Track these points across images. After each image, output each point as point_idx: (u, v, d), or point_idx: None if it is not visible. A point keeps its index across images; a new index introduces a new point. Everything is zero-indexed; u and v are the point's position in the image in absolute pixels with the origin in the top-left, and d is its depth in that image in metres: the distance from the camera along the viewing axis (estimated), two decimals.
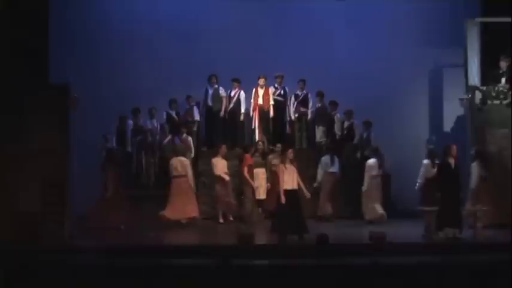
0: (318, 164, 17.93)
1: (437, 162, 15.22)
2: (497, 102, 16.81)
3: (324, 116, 19.18)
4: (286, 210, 14.68)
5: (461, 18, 17.70)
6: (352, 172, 18.18)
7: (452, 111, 19.18)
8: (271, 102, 19.10)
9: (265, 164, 18.03)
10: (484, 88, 16.91)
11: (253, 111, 19.14)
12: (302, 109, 19.13)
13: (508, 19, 17.20)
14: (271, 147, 18.43)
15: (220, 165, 17.59)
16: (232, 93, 19.16)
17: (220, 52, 19.41)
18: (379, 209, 17.44)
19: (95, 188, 16.96)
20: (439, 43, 19.31)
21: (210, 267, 11.42)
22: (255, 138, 18.86)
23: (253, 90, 19.07)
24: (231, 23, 19.60)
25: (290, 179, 14.71)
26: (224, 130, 19.15)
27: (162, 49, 19.57)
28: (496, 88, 16.85)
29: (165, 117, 19.06)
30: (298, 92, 19.21)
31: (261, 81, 18.98)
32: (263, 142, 18.50)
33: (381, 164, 17.53)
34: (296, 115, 19.18)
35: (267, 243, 14.99)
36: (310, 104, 19.20)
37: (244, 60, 19.28)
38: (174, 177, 17.08)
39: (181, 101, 19.21)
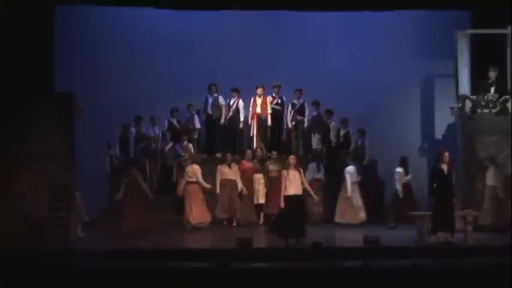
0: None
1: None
2: (486, 111, 16.83)
3: (319, 124, 19.17)
4: (288, 215, 14.63)
5: (452, 30, 17.69)
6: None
7: (443, 119, 19.17)
8: (269, 110, 19.07)
9: (263, 170, 18.02)
10: (474, 97, 16.92)
11: (251, 119, 19.13)
12: (299, 117, 19.11)
13: (496, 31, 17.20)
14: (268, 154, 18.38)
15: (225, 172, 17.61)
16: (232, 102, 19.14)
17: (220, 62, 19.41)
18: (362, 213, 17.60)
19: (100, 193, 16.86)
20: (431, 54, 19.35)
21: (209, 270, 11.35)
22: (253, 145, 18.86)
23: (252, 99, 19.05)
24: (230, 34, 19.60)
25: (293, 185, 14.65)
26: (224, 137, 19.15)
27: (163, 59, 19.57)
28: (486, 97, 16.86)
29: (166, 125, 19.04)
30: (295, 101, 19.18)
31: (259, 91, 18.98)
32: (261, 149, 18.54)
33: (359, 171, 17.72)
34: (293, 123, 19.16)
35: (266, 247, 14.96)
36: (307, 113, 19.18)
37: (243, 70, 19.28)
38: (189, 183, 17.08)
39: (183, 109, 19.17)
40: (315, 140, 19.10)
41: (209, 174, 17.61)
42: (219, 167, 17.69)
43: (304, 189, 15.02)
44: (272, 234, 14.83)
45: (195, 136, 19.08)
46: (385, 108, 19.52)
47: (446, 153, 14.72)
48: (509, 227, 15.68)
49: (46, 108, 15.57)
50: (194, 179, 17.12)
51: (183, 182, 17.19)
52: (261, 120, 19.03)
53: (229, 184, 17.60)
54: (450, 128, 18.54)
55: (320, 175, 18.00)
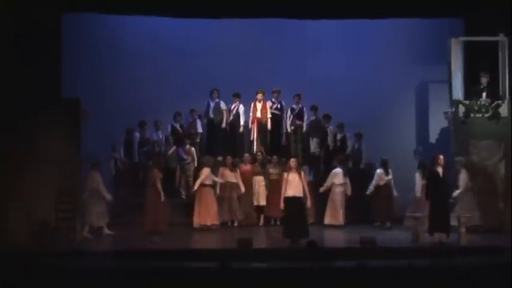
0: None
1: None
2: (479, 115, 16.83)
3: (317, 129, 19.21)
4: (291, 216, 14.68)
5: (445, 37, 17.71)
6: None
7: (437, 123, 19.19)
8: (269, 115, 19.12)
9: (263, 173, 18.06)
10: (467, 102, 16.92)
11: (251, 123, 19.15)
12: (297, 122, 19.13)
13: (489, 38, 17.23)
14: (268, 158, 18.41)
15: (227, 175, 17.63)
16: (233, 107, 19.20)
17: (221, 68, 19.43)
18: (340, 216, 17.59)
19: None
20: (426, 60, 19.35)
21: (210, 270, 11.37)
22: (253, 149, 18.89)
23: (252, 104, 19.09)
24: (230, 41, 19.63)
25: (293, 187, 14.69)
26: (225, 141, 19.16)
27: (166, 66, 19.59)
28: (479, 102, 16.87)
29: (169, 129, 19.05)
30: (294, 106, 19.21)
31: (259, 96, 19.01)
32: (261, 152, 18.57)
33: (345, 174, 17.73)
34: (292, 127, 19.18)
35: (266, 247, 14.98)
36: (305, 117, 19.21)
37: (243, 76, 19.33)
38: (202, 185, 17.11)
39: (185, 114, 19.20)
40: (313, 144, 19.14)
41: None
42: (221, 169, 17.70)
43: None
44: (284, 238, 14.78)
45: (198, 140, 19.11)
46: (381, 113, 19.51)
47: (441, 157, 14.74)
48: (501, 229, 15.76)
49: (53, 114, 15.62)
50: (208, 182, 17.14)
51: (196, 184, 17.17)
52: (261, 125, 19.06)
53: (230, 186, 17.62)
54: (444, 132, 18.55)
55: (310, 177, 17.94)
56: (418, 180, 16.70)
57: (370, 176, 18.15)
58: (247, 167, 18.04)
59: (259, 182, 18.02)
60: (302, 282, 10.54)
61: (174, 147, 18.59)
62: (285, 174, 14.91)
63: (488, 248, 14.09)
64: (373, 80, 19.44)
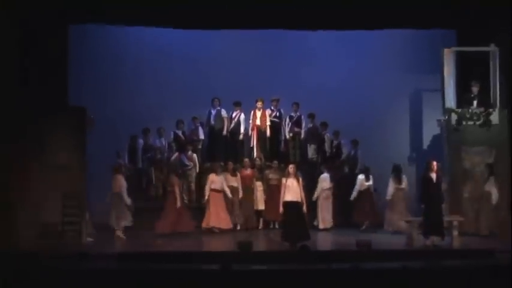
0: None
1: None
2: (471, 123, 16.88)
3: (315, 136, 19.23)
4: (289, 220, 14.70)
5: (438, 47, 17.72)
6: (340, 185, 18.21)
7: (430, 130, 19.19)
8: (268, 123, 19.13)
9: (262, 178, 18.07)
10: (460, 110, 16.97)
11: (251, 130, 19.17)
12: (296, 129, 19.15)
13: (480, 48, 17.27)
14: (268, 164, 18.44)
15: (229, 180, 17.67)
16: (234, 115, 19.22)
17: (222, 77, 19.47)
18: (327, 219, 17.66)
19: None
20: (419, 70, 19.34)
21: (212, 272, 11.39)
22: (253, 155, 18.90)
23: (252, 112, 19.12)
24: (231, 51, 19.63)
25: (291, 192, 14.72)
26: (226, 147, 19.17)
27: (169, 75, 19.60)
28: (470, 110, 16.90)
29: (172, 136, 19.05)
30: (292, 114, 19.24)
31: (259, 104, 19.04)
32: (260, 158, 18.59)
33: (332, 179, 17.88)
34: (290, 134, 19.20)
35: (265, 250, 14.99)
36: (303, 125, 19.23)
37: (244, 85, 19.33)
38: (213, 190, 17.28)
39: (187, 121, 19.22)
40: (311, 150, 19.15)
41: None
42: (223, 174, 17.72)
43: None
44: (283, 241, 14.80)
45: (199, 146, 19.12)
46: (377, 120, 19.53)
47: (435, 163, 14.78)
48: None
49: (60, 121, 15.68)
50: (217, 187, 17.29)
51: (206, 189, 17.33)
52: (261, 132, 19.08)
53: (232, 190, 17.64)
54: (437, 138, 18.55)
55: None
56: (391, 184, 17.10)
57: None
58: (247, 172, 18.06)
59: (258, 187, 18.06)
60: (300, 283, 10.57)
61: (177, 154, 18.58)
62: (284, 180, 14.98)
63: (480, 250, 14.11)
64: (369, 89, 19.46)
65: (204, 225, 17.19)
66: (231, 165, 17.89)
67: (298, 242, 14.37)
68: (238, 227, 17.75)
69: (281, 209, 14.83)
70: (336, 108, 19.15)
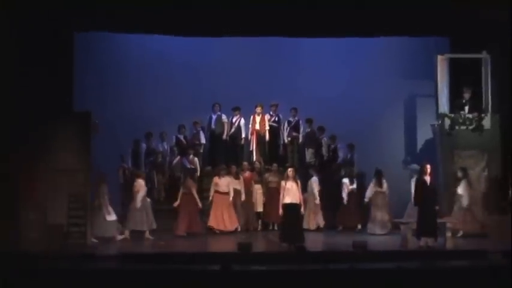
0: None
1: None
2: (463, 127, 16.94)
3: (313, 140, 19.23)
4: (288, 222, 14.74)
5: (432, 54, 17.80)
6: (336, 187, 18.28)
7: (424, 135, 19.20)
8: (267, 127, 19.16)
9: (261, 181, 18.09)
10: (453, 115, 17.02)
11: (251, 135, 19.20)
12: (294, 134, 19.18)
13: (473, 55, 17.32)
14: (267, 167, 18.47)
15: (231, 183, 17.71)
16: (234, 120, 19.23)
17: (223, 83, 19.47)
18: (314, 221, 17.78)
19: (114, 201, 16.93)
20: (413, 76, 19.33)
21: (212, 272, 11.40)
22: (252, 159, 18.92)
23: (251, 117, 19.15)
24: (232, 58, 19.60)
25: (290, 194, 14.75)
26: (226, 151, 19.18)
27: (171, 81, 19.59)
28: (463, 115, 16.94)
29: (174, 140, 19.05)
30: (291, 119, 19.26)
31: (258, 109, 19.07)
32: (260, 162, 18.62)
33: (320, 182, 18.02)
34: (289, 139, 19.21)
35: (264, 251, 15.00)
36: (301, 129, 19.25)
37: (244, 91, 19.34)
38: (216, 192, 17.42)
39: (189, 126, 19.22)
40: (309, 154, 19.15)
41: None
42: (227, 177, 17.77)
43: None
44: (281, 242, 14.84)
45: (201, 150, 19.13)
46: (372, 125, 19.52)
47: (429, 166, 14.79)
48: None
49: (66, 126, 15.70)
50: (221, 189, 17.41)
51: (211, 191, 17.49)
52: (260, 136, 19.11)
53: (234, 193, 17.68)
54: (431, 143, 18.55)
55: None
56: (371, 187, 17.33)
57: (362, 183, 18.26)
58: (246, 175, 18.09)
59: (257, 189, 18.11)
60: (299, 284, 10.58)
61: (179, 157, 18.59)
62: (283, 183, 15.01)
63: (472, 251, 14.13)
64: (365, 94, 19.46)
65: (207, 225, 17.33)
66: (234, 168, 17.92)
67: (296, 243, 14.41)
68: (239, 229, 17.76)
69: (281, 211, 14.88)
70: (333, 113, 19.16)
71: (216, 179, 17.51)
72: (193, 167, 18.34)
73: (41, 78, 15.40)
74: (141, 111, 19.15)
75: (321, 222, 17.84)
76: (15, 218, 14.33)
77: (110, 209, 16.13)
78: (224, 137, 19.19)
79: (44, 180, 15.15)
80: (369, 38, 18.17)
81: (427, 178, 14.71)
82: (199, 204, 17.01)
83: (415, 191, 15.00)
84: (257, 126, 19.09)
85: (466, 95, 17.18)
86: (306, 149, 19.25)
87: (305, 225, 17.25)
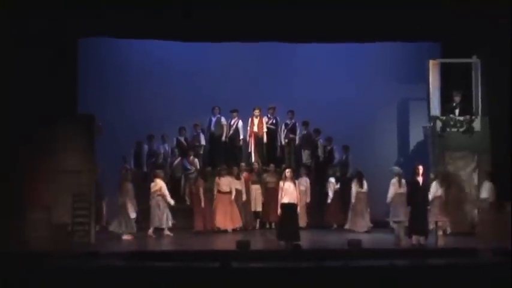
0: None
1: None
2: (454, 129, 16.95)
3: (309, 142, 19.27)
4: (286, 221, 14.77)
5: (424, 59, 17.82)
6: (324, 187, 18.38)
7: (416, 137, 19.21)
8: (265, 129, 19.20)
9: (260, 182, 18.12)
10: (444, 118, 17.04)
11: (249, 137, 19.23)
12: (291, 135, 19.21)
13: (463, 60, 17.38)
14: (264, 168, 18.51)
15: (232, 183, 17.77)
16: (232, 122, 19.24)
17: (222, 87, 19.50)
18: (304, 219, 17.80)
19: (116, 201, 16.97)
20: (406, 80, 19.37)
21: (212, 269, 11.42)
22: (251, 160, 18.94)
23: (250, 119, 19.18)
24: (231, 62, 19.64)
25: (288, 194, 14.78)
26: (225, 153, 19.20)
27: (172, 85, 19.62)
28: (454, 118, 16.98)
29: (175, 142, 19.10)
30: (288, 121, 19.29)
31: (256, 112, 19.11)
32: (258, 163, 18.65)
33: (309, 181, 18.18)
34: (286, 141, 19.24)
35: (262, 249, 15.02)
36: (298, 131, 19.27)
37: (242, 94, 19.37)
38: (218, 192, 17.51)
39: (189, 128, 19.25)
40: (305, 155, 19.19)
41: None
42: (228, 178, 17.82)
43: None
44: (279, 240, 14.88)
45: (201, 152, 19.16)
46: (366, 127, 19.56)
47: (421, 167, 14.82)
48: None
49: (71, 128, 15.71)
50: (222, 189, 17.48)
51: (214, 192, 17.54)
52: (258, 138, 19.14)
53: (236, 193, 17.73)
54: (423, 144, 18.57)
55: None
56: (354, 188, 17.47)
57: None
58: (244, 176, 18.12)
59: (256, 189, 18.15)
60: (296, 280, 10.60)
61: (179, 159, 18.64)
62: (281, 183, 15.04)
63: (463, 249, 14.16)
64: (359, 98, 19.49)
65: (211, 225, 17.41)
66: (235, 169, 17.96)
67: (292, 242, 14.45)
68: (238, 228, 17.80)
69: (279, 210, 14.92)
70: (329, 116, 19.19)
71: (216, 179, 17.56)
72: (193, 167, 18.38)
73: (46, 82, 15.41)
74: (143, 114, 19.18)
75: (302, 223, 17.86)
76: (21, 218, 14.32)
77: (133, 207, 16.41)
78: (223, 138, 19.21)
79: (49, 180, 15.15)
80: (364, 44, 18.17)
81: (420, 179, 14.74)
82: (202, 204, 17.12)
83: (407, 191, 15.05)
84: (255, 129, 19.13)
85: (457, 98, 17.23)
86: (302, 150, 19.28)
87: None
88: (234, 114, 19.19)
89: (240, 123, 19.20)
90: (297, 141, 19.29)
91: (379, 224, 17.29)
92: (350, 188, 17.71)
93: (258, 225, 18.24)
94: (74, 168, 15.41)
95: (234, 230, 17.48)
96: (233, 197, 17.56)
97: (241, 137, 19.22)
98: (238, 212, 17.61)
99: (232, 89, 19.50)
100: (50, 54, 15.58)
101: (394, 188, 16.18)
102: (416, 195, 14.69)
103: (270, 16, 16.00)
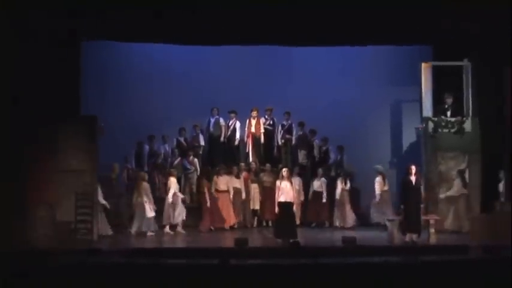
0: None
1: None
2: (446, 130, 16.98)
3: (305, 142, 19.26)
4: (282, 219, 14.79)
5: (417, 62, 17.82)
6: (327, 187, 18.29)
7: (409, 137, 19.24)
8: (262, 130, 19.19)
9: (257, 181, 18.14)
10: (436, 119, 17.06)
11: (247, 137, 19.23)
12: (287, 136, 19.21)
13: (455, 63, 17.39)
14: (261, 167, 18.51)
15: (233, 182, 17.82)
16: (230, 123, 19.24)
17: (221, 89, 19.48)
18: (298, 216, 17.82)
19: (118, 200, 16.94)
20: (399, 82, 19.34)
21: (211, 266, 11.43)
22: (249, 160, 18.94)
23: (247, 120, 19.18)
24: (229, 65, 19.62)
25: (285, 193, 14.80)
26: (224, 153, 19.20)
27: (172, 87, 19.59)
28: (446, 119, 17.00)
29: (175, 142, 19.08)
30: (284, 122, 19.30)
31: (254, 113, 19.11)
32: (255, 163, 18.64)
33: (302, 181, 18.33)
34: (282, 141, 19.24)
35: (260, 246, 15.03)
36: (294, 132, 19.28)
37: (240, 96, 19.35)
38: (216, 190, 17.54)
39: (189, 129, 19.24)
40: (301, 155, 19.18)
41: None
42: (227, 177, 17.86)
43: None
44: (276, 238, 14.91)
45: (200, 152, 19.15)
46: (361, 128, 19.54)
47: (413, 167, 14.85)
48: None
49: (74, 129, 15.72)
50: (220, 188, 17.52)
51: (213, 191, 17.55)
52: (255, 139, 19.14)
53: (235, 191, 17.77)
54: (415, 145, 18.61)
55: None
56: (339, 185, 17.69)
57: (351, 183, 18.36)
58: (244, 175, 18.13)
59: (254, 188, 18.15)
60: (292, 276, 10.61)
61: (179, 159, 18.62)
62: (278, 182, 15.05)
63: (454, 247, 14.17)
64: (354, 100, 19.46)
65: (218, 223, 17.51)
66: (235, 169, 17.98)
67: (289, 239, 14.45)
68: (236, 225, 17.81)
69: (276, 208, 14.93)
70: (324, 117, 19.18)
71: (215, 178, 17.58)
72: (193, 167, 18.38)
73: (50, 84, 15.43)
74: (144, 115, 19.18)
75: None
76: (26, 216, 14.33)
77: (151, 206, 16.43)
78: (222, 139, 19.21)
79: (52, 180, 15.17)
80: (358, 47, 18.18)
81: (412, 178, 14.76)
82: (208, 203, 17.16)
83: (401, 190, 15.07)
84: (253, 129, 19.14)
85: (448, 100, 17.25)
86: (298, 150, 19.28)
87: None
88: (232, 115, 19.18)
89: (238, 124, 19.19)
90: (293, 142, 19.29)
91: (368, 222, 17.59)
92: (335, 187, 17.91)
93: (255, 223, 18.22)
94: (76, 167, 15.43)
95: (231, 228, 17.48)
96: (231, 195, 17.57)
97: (238, 137, 19.19)
98: (232, 210, 17.60)
99: (230, 91, 19.47)
100: (54, 57, 15.58)
101: (380, 186, 16.44)
102: (409, 194, 14.70)
103: (267, 20, 16.03)
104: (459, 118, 16.99)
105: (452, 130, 16.91)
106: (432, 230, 15.42)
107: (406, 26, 16.48)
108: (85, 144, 15.73)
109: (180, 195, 16.98)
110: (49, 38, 15.44)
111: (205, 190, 17.26)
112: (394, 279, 10.56)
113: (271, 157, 19.20)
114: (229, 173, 17.86)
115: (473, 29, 16.09)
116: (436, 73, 17.59)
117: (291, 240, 14.24)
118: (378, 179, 16.97)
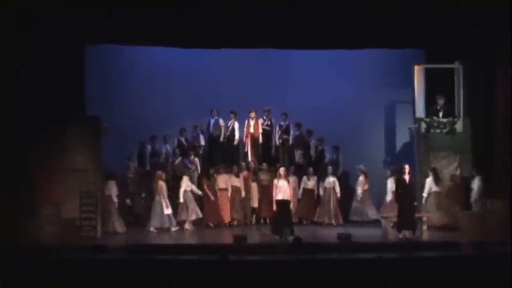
0: None
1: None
2: (438, 131, 16.96)
3: (301, 142, 19.25)
4: (280, 217, 14.82)
5: (409, 64, 17.79)
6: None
7: (403, 138, 19.24)
8: (260, 130, 19.18)
9: (256, 180, 18.15)
10: (428, 120, 17.05)
11: (245, 137, 19.21)
12: (285, 136, 19.20)
13: (446, 65, 17.41)
14: (259, 167, 18.53)
15: (233, 180, 17.86)
16: (229, 123, 19.24)
17: (220, 91, 19.43)
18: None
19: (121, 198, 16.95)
20: (393, 84, 19.27)
21: (211, 262, 11.44)
22: (247, 159, 18.94)
23: (246, 121, 19.17)
24: (229, 67, 19.56)
25: (282, 192, 14.84)
26: (223, 153, 19.20)
27: (173, 89, 19.55)
28: (438, 120, 17.02)
29: (176, 142, 19.07)
30: (282, 123, 19.29)
31: (252, 114, 19.10)
32: (254, 162, 18.65)
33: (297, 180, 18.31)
34: (280, 141, 19.23)
35: (258, 243, 15.04)
36: (291, 132, 19.26)
37: (239, 97, 19.30)
38: (219, 189, 17.61)
39: (189, 129, 19.24)
40: (298, 155, 19.17)
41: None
42: (228, 175, 17.90)
43: None
44: (273, 234, 14.94)
45: (200, 152, 19.16)
46: (356, 129, 19.52)
47: (407, 166, 14.92)
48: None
49: (79, 129, 15.74)
50: (221, 186, 17.61)
51: (216, 189, 17.63)
52: (254, 139, 19.14)
53: (235, 190, 17.77)
54: (408, 145, 18.61)
55: None
56: (337, 184, 17.79)
57: (346, 182, 18.38)
58: (243, 174, 18.13)
59: (253, 187, 18.15)
60: (290, 272, 10.63)
61: (180, 158, 18.59)
62: (275, 181, 15.11)
63: (446, 243, 14.21)
64: (349, 101, 19.43)
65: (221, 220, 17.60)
66: (235, 168, 18.00)
67: (286, 236, 14.47)
68: (235, 223, 17.82)
69: (274, 206, 14.95)
70: (320, 117, 19.15)
71: (214, 176, 17.60)
72: (193, 166, 18.38)
73: (56, 86, 15.44)
74: (146, 116, 19.13)
75: None
76: (33, 214, 14.34)
77: (168, 203, 16.59)
78: (221, 139, 19.22)
79: (58, 178, 15.21)
80: (354, 51, 18.17)
81: (406, 177, 14.80)
82: (212, 198, 17.32)
83: (395, 189, 15.10)
84: (251, 130, 19.12)
85: (440, 102, 17.25)
86: (295, 150, 19.27)
87: None
88: (231, 115, 19.20)
89: (236, 124, 19.20)
90: (290, 142, 19.27)
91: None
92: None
93: (254, 221, 18.24)
94: (81, 166, 15.46)
95: (230, 225, 17.51)
96: (229, 193, 17.58)
97: (236, 137, 19.20)
98: (229, 208, 17.63)
99: (229, 93, 19.44)
100: (60, 60, 15.59)
101: (361, 185, 16.60)
102: (403, 193, 14.72)
103: (265, 24, 16.04)
104: (451, 119, 16.99)
105: (444, 130, 16.91)
106: (425, 227, 15.43)
107: (399, 30, 16.48)
108: (89, 144, 15.76)
109: (197, 191, 17.21)
110: (55, 41, 15.44)
111: (206, 189, 17.34)
112: (388, 274, 10.57)
113: (269, 157, 19.19)
114: (229, 171, 17.87)
115: (465, 31, 16.11)
116: (429, 75, 17.58)
117: (293, 237, 14.23)
118: (361, 179, 17.24)
